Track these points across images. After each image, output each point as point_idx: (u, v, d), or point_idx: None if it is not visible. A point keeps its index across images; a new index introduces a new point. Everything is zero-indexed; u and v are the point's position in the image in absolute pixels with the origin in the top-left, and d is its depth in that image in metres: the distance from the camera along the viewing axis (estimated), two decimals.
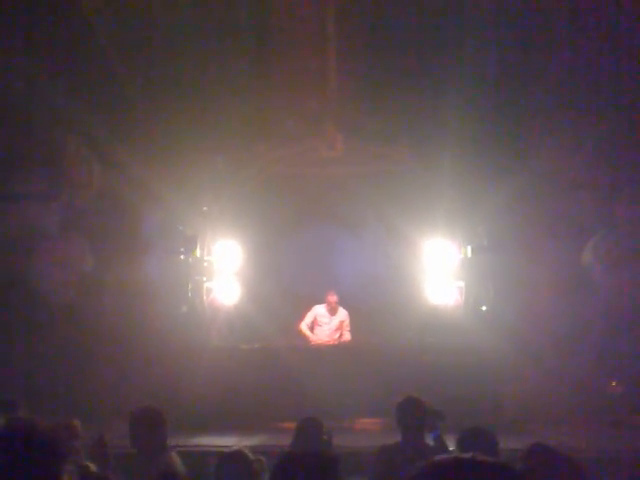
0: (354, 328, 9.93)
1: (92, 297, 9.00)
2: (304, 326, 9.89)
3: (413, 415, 4.37)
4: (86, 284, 9.09)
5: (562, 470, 2.08)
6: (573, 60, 8.85)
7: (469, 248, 9.21)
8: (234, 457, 3.55)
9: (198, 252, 9.61)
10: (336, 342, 9.79)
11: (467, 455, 1.27)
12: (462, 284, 9.28)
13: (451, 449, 4.11)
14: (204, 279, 9.68)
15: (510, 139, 9.12)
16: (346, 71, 9.45)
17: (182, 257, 9.47)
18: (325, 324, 9.89)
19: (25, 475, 1.58)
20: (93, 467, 3.45)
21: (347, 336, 9.86)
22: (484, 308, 8.59)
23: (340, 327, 9.89)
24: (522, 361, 7.77)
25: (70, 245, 9.18)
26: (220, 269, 9.82)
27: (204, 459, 4.88)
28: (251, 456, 3.58)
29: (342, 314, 9.93)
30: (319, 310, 9.94)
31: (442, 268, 9.41)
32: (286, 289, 10.29)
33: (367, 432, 7.51)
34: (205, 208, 9.74)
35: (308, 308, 10.03)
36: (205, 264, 9.75)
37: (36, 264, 8.85)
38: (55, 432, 1.69)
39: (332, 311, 9.89)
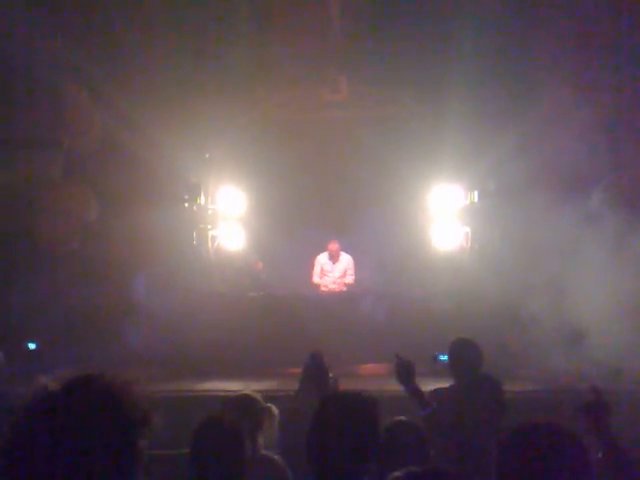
0: (360, 275, 9.93)
1: (96, 246, 8.97)
2: (316, 278, 9.92)
3: (465, 357, 4.33)
4: (90, 233, 9.05)
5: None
6: None
7: (476, 193, 9.09)
8: (239, 401, 3.54)
9: (202, 200, 9.53)
10: (342, 287, 9.81)
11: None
12: (468, 230, 9.21)
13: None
14: (208, 227, 9.64)
15: (519, 82, 8.88)
16: (350, 12, 9.16)
17: (186, 205, 9.40)
18: (329, 272, 9.91)
19: (93, 442, 1.32)
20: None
21: (349, 280, 9.87)
22: (491, 255, 8.52)
23: (344, 274, 9.90)
24: (527, 307, 7.74)
25: (73, 193, 9.11)
26: (224, 216, 9.77)
27: (211, 403, 4.93)
28: (261, 401, 3.56)
29: (345, 260, 9.92)
30: (322, 259, 9.95)
31: (448, 213, 9.32)
32: (290, 235, 10.26)
33: (373, 377, 7.58)
34: (207, 155, 9.61)
35: (312, 255, 10.02)
36: (209, 212, 9.69)
37: (39, 213, 8.80)
38: (129, 388, 1.41)
39: (334, 259, 9.90)
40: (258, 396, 3.62)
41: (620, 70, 8.59)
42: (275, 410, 3.57)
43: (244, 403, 3.49)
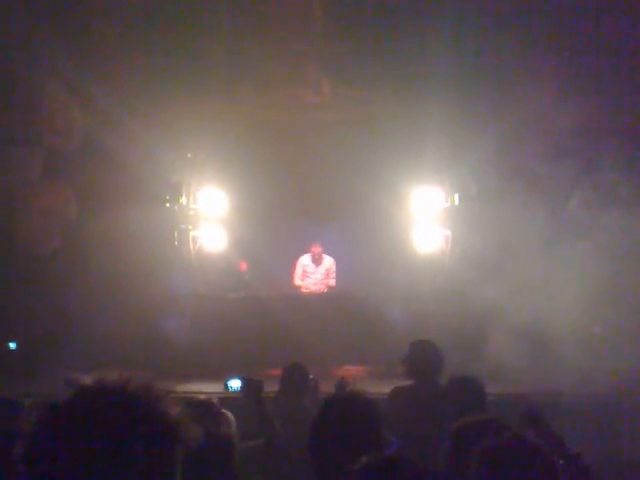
0: (341, 277, 9.95)
1: (76, 246, 8.90)
2: (298, 280, 9.92)
3: (427, 358, 4.35)
4: (70, 233, 8.97)
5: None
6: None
7: (457, 196, 9.15)
8: (198, 406, 3.56)
9: (183, 200, 9.50)
10: (323, 290, 9.83)
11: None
12: (449, 232, 9.26)
13: None
14: (190, 227, 9.60)
15: (498, 85, 8.97)
16: (332, 13, 9.18)
17: (167, 205, 9.36)
18: (311, 274, 9.93)
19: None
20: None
21: (331, 282, 9.90)
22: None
23: (327, 276, 9.91)
24: (510, 309, 7.80)
25: (53, 192, 9.03)
26: (205, 217, 9.74)
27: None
28: (218, 407, 3.60)
29: (327, 262, 9.93)
30: (304, 261, 9.96)
31: (429, 216, 9.38)
32: (272, 236, 10.25)
33: (353, 379, 7.59)
34: (189, 155, 9.58)
35: (294, 256, 10.02)
36: (191, 212, 9.66)
37: (18, 212, 8.71)
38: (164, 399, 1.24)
39: (317, 261, 9.91)
40: (216, 401, 3.67)
41: (598, 74, 8.70)
42: (231, 417, 3.61)
43: (202, 408, 3.52)
